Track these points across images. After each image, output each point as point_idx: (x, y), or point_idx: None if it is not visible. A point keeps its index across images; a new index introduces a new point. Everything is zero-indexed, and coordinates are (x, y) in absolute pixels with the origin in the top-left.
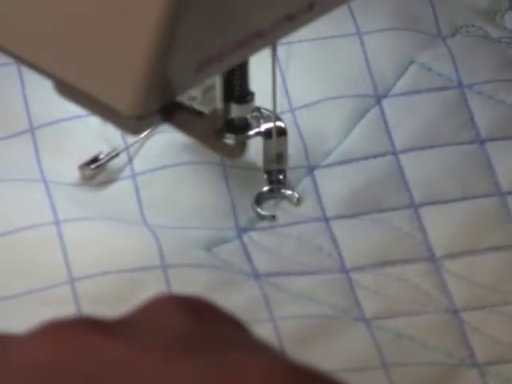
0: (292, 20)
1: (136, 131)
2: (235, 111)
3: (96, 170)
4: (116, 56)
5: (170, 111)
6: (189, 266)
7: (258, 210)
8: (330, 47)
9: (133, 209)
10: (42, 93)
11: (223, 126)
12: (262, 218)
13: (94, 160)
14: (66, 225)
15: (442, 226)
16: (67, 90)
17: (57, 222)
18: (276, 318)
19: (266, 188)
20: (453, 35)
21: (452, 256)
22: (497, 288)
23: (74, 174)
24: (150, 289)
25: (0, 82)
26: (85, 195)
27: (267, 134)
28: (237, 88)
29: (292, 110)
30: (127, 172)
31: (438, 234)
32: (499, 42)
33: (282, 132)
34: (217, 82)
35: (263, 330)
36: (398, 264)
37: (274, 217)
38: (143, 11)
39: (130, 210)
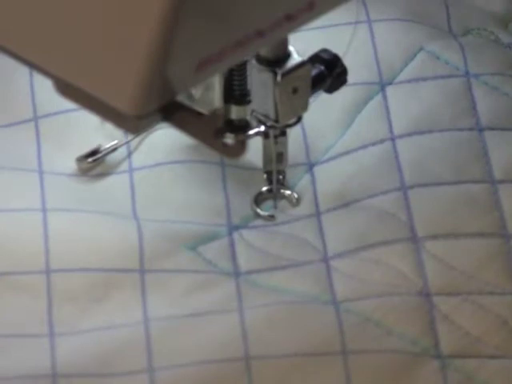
0: (292, 20)
1: (136, 130)
2: (235, 112)
3: (93, 163)
4: (116, 55)
5: (170, 111)
6: (166, 271)
7: (258, 210)
8: (339, 34)
9: (126, 203)
10: (50, 82)
11: (223, 126)
12: (260, 217)
13: (93, 153)
14: (52, 214)
15: (428, 207)
16: (67, 89)
17: (43, 210)
18: (244, 308)
19: (265, 188)
20: (464, 35)
21: (434, 237)
22: (474, 275)
23: (72, 166)
24: (125, 292)
25: (9, 70)
26: (79, 187)
27: (267, 134)
28: (236, 88)
29: None
30: (125, 166)
31: (424, 214)
32: (509, 47)
33: (281, 132)
34: (216, 82)
35: (229, 318)
36: (379, 246)
37: (272, 217)
38: (144, 11)
39: (122, 203)
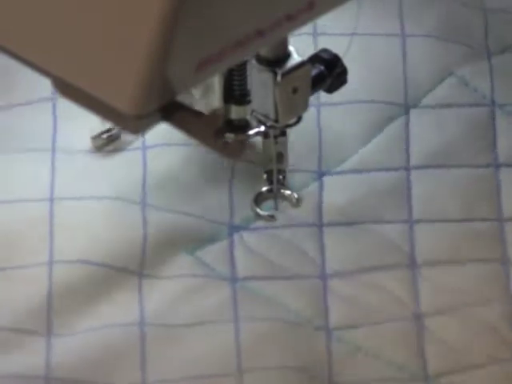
0: (292, 19)
1: (136, 130)
2: (235, 112)
3: (108, 140)
4: (116, 55)
5: (170, 111)
6: (164, 273)
7: (257, 210)
8: (370, 45)
9: (135, 181)
10: None
11: (223, 126)
12: (260, 217)
13: (108, 131)
14: (59, 203)
15: (432, 242)
16: (67, 88)
17: (51, 199)
18: (240, 319)
19: (265, 188)
20: (501, 52)
21: (433, 264)
22: (468, 293)
23: (87, 144)
24: (124, 292)
25: None
26: (91, 164)
27: (267, 134)
28: (236, 88)
29: (318, 106)
30: (138, 144)
31: (426, 249)
32: None
33: (281, 132)
34: (216, 82)
35: (223, 331)
36: (378, 271)
37: (273, 217)
38: (144, 11)
39: (132, 181)
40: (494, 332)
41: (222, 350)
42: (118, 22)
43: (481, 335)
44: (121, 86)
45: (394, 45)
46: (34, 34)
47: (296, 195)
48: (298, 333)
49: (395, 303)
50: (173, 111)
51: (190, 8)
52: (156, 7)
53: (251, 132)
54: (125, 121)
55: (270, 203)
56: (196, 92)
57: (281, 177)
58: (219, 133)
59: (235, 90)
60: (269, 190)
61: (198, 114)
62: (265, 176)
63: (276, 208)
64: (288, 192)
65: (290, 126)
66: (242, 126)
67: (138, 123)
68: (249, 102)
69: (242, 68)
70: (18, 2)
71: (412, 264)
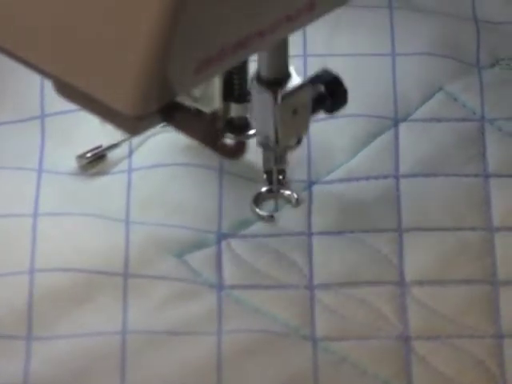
0: (292, 20)
1: (135, 131)
2: (235, 110)
3: (93, 161)
4: (116, 56)
5: (170, 111)
6: (150, 277)
7: (257, 210)
8: (361, 64)
9: (120, 201)
10: None
11: (223, 126)
12: (260, 218)
13: (92, 150)
14: (43, 218)
15: (421, 252)
16: (67, 89)
17: (35, 215)
18: (223, 332)
19: (264, 188)
20: (492, 66)
21: (421, 283)
22: (456, 319)
23: (73, 164)
24: (107, 295)
25: (21, 66)
26: (76, 185)
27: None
28: (236, 87)
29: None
30: (124, 166)
31: (415, 260)
32: None
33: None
34: (216, 81)
35: (205, 343)
36: (366, 285)
37: (272, 217)
38: (143, 12)
39: (117, 202)
40: (481, 366)
41: (202, 362)
42: (118, 23)
43: (469, 368)
44: (120, 87)
45: (385, 61)
46: (33, 35)
47: (296, 195)
48: (283, 343)
49: (381, 321)
50: (173, 112)
51: (189, 8)
52: (155, 8)
53: (251, 132)
54: (124, 122)
55: (269, 203)
56: (196, 92)
57: (280, 177)
58: (219, 133)
59: (235, 90)
60: (268, 190)
61: (198, 114)
62: (265, 176)
63: (276, 208)
64: (288, 192)
65: (291, 147)
66: (242, 126)
67: (137, 124)
68: (248, 100)
69: (241, 68)
70: (17, 2)
71: (401, 281)
